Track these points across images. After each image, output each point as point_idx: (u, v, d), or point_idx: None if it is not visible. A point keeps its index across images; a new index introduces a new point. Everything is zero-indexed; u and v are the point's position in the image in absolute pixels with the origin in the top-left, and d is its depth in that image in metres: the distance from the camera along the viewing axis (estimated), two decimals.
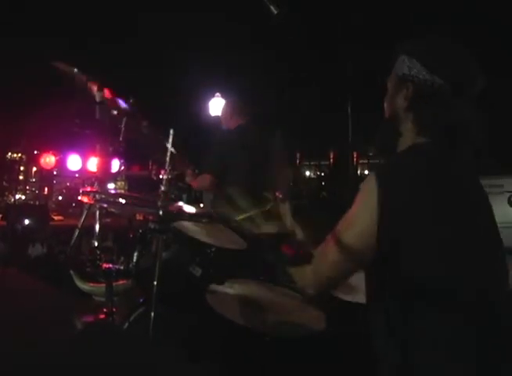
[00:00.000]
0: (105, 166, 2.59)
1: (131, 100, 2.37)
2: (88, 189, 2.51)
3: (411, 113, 1.43)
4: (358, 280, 1.46)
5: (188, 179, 3.79)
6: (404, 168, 1.35)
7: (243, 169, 3.48)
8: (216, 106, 10.66)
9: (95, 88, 2.31)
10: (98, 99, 2.24)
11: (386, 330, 1.30)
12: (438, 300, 1.24)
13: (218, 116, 10.77)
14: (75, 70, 2.30)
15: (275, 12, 2.66)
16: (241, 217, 2.45)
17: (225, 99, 4.20)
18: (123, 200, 2.14)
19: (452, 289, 1.24)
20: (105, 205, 2.34)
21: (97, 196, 2.07)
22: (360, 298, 1.90)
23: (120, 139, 2.39)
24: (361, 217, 1.33)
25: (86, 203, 2.61)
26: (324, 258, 1.40)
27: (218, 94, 10.50)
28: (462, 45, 1.43)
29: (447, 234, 1.27)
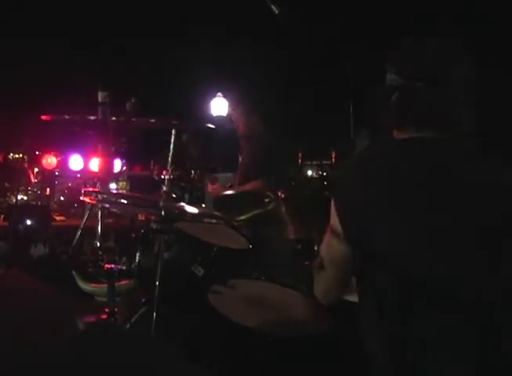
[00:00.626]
0: (107, 166, 2.60)
1: (133, 101, 2.38)
2: (90, 189, 2.52)
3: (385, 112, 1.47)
4: None
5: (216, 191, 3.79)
6: (357, 166, 1.41)
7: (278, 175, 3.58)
8: (218, 106, 10.64)
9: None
10: (100, 99, 2.26)
11: (381, 329, 1.30)
12: (438, 300, 1.24)
13: (221, 116, 10.74)
14: (65, 117, 2.33)
15: (277, 11, 2.67)
16: (243, 217, 2.45)
17: (245, 104, 4.08)
18: (125, 201, 2.14)
19: (452, 289, 1.25)
20: (107, 205, 2.35)
21: (99, 196, 2.07)
22: None
23: (123, 139, 2.40)
24: (334, 222, 1.37)
25: (88, 203, 2.62)
26: (320, 269, 1.45)
27: (219, 94, 10.48)
28: (434, 41, 1.45)
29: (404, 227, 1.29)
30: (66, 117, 2.37)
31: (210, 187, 3.81)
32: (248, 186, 3.78)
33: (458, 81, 1.39)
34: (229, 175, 4.15)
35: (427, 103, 1.38)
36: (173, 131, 2.06)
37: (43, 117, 2.40)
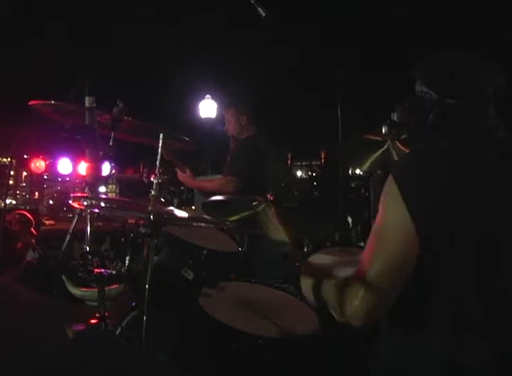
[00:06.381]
0: (95, 171, 2.59)
1: (119, 104, 2.37)
2: (79, 194, 2.51)
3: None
4: None
5: (188, 180, 3.89)
6: (421, 162, 1.36)
7: (260, 178, 3.76)
8: (206, 108, 10.64)
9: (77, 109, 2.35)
10: (87, 104, 2.25)
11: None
12: None
13: (210, 118, 10.72)
14: (52, 102, 2.34)
15: (263, 14, 2.68)
16: (233, 219, 2.46)
17: (236, 106, 4.13)
18: (113, 206, 2.13)
19: None
20: (96, 210, 2.34)
21: (87, 201, 2.06)
22: None
23: (110, 143, 2.39)
24: (394, 221, 1.32)
25: (77, 208, 2.61)
26: (368, 281, 1.31)
27: (208, 96, 10.49)
28: (464, 55, 1.47)
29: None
30: (53, 102, 2.36)
31: (180, 175, 3.91)
32: (214, 180, 4.01)
33: (490, 96, 1.41)
34: (218, 176, 4.20)
35: (460, 119, 1.39)
36: (161, 136, 2.06)
37: (31, 103, 2.40)
